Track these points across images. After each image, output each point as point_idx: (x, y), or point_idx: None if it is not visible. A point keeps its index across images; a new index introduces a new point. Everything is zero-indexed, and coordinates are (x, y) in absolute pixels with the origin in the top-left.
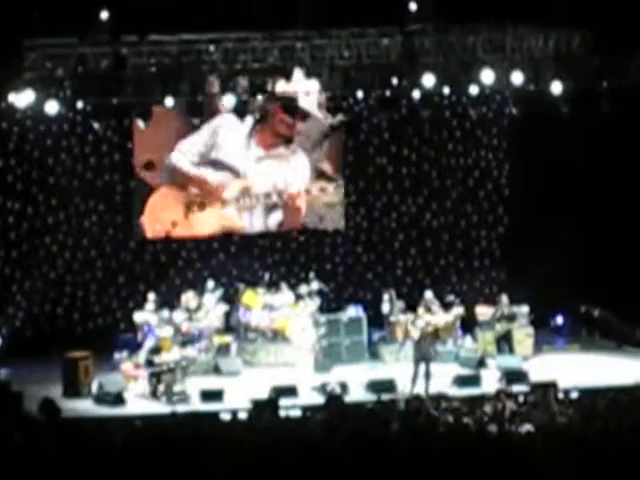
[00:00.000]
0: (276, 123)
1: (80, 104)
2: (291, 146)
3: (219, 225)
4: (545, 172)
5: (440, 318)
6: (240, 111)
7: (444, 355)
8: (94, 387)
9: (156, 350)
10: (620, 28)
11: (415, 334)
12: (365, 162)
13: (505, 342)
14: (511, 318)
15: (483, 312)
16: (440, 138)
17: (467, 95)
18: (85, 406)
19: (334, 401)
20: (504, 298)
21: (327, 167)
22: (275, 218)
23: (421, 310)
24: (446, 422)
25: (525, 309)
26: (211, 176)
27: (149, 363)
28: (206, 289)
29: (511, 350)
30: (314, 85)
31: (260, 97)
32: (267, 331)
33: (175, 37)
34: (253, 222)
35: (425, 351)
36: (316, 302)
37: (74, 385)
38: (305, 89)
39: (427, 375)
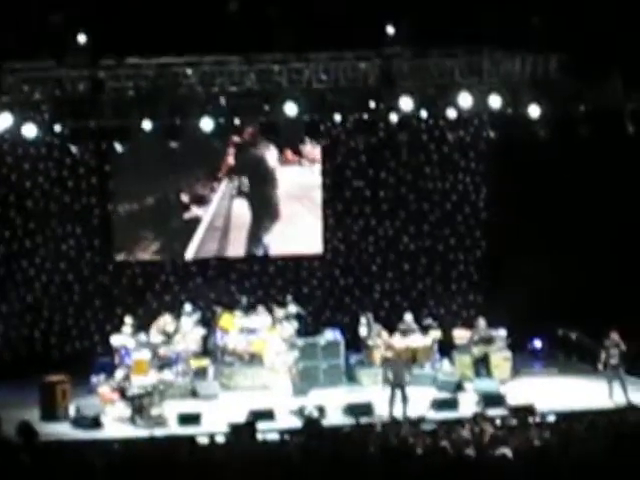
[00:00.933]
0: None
1: (58, 127)
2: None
3: None
4: (523, 196)
5: (418, 341)
6: (217, 134)
7: (422, 378)
8: (71, 410)
9: (127, 377)
10: (596, 51)
11: (390, 357)
12: (342, 185)
13: (483, 365)
14: (489, 341)
15: (461, 335)
16: (418, 161)
17: (445, 118)
18: (62, 429)
19: (312, 425)
20: (481, 321)
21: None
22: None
23: (398, 333)
24: (423, 445)
25: (503, 333)
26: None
27: (125, 388)
28: (183, 312)
29: (489, 374)
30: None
31: (238, 120)
32: (244, 354)
33: (153, 60)
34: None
35: (400, 375)
36: (293, 325)
37: (51, 409)
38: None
39: (404, 399)
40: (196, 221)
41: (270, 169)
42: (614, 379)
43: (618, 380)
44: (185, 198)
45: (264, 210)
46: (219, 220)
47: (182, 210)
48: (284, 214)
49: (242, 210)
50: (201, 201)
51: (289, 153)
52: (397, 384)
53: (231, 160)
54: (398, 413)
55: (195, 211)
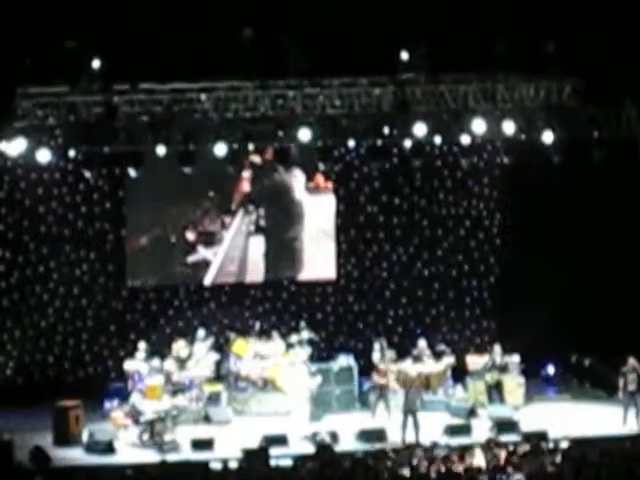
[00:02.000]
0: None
1: (72, 152)
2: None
3: None
4: (536, 222)
5: (431, 367)
6: (231, 159)
7: (435, 404)
8: (84, 436)
9: (141, 402)
10: (611, 78)
11: (403, 383)
12: (356, 211)
13: (496, 392)
14: (503, 368)
15: (474, 361)
16: (431, 187)
17: (458, 144)
18: (75, 455)
19: (324, 450)
20: (497, 347)
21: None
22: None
23: (411, 359)
24: (437, 471)
25: (516, 359)
26: None
27: (139, 412)
28: (197, 338)
29: (502, 400)
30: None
31: (252, 146)
32: (258, 380)
33: (166, 85)
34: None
35: (412, 401)
36: (307, 351)
37: (65, 434)
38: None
39: (416, 425)
40: (202, 266)
41: (296, 199)
42: (630, 405)
43: (634, 406)
44: (191, 236)
45: (286, 253)
46: (232, 265)
47: (186, 252)
48: (307, 257)
49: (259, 251)
50: (210, 240)
51: (321, 179)
52: (409, 410)
53: (246, 187)
54: (411, 439)
55: (202, 253)
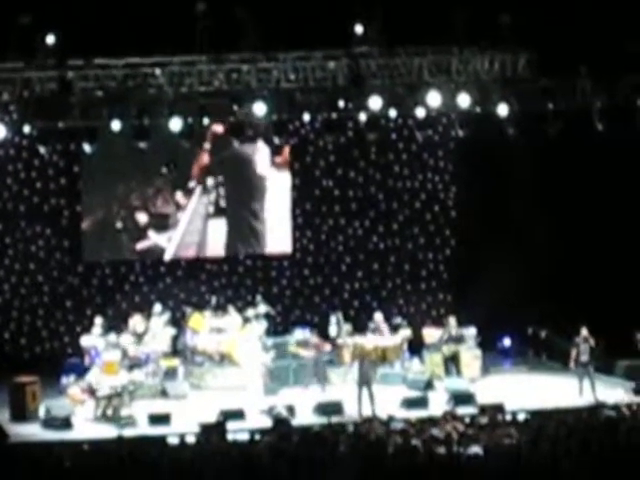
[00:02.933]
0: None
1: (26, 128)
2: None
3: None
4: (491, 194)
5: (387, 340)
6: (186, 134)
7: (391, 377)
8: (41, 412)
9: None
10: (565, 49)
11: (360, 357)
12: (311, 185)
13: (453, 364)
14: (459, 340)
15: (430, 334)
16: (386, 161)
17: (413, 117)
18: (33, 430)
19: (281, 424)
20: (452, 320)
21: None
22: None
23: (368, 332)
24: (394, 444)
25: (472, 331)
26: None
27: (96, 388)
28: (153, 313)
29: (459, 372)
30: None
31: (207, 120)
32: (214, 354)
33: (121, 60)
34: None
35: (367, 374)
36: (263, 325)
37: (21, 409)
38: None
39: (371, 397)
40: (155, 253)
41: (258, 173)
42: (584, 376)
43: (588, 377)
44: (142, 218)
45: (249, 235)
46: (189, 251)
47: (136, 237)
48: (267, 232)
49: (220, 237)
50: (163, 224)
51: (286, 153)
52: (364, 382)
53: (206, 159)
54: (367, 412)
55: (154, 239)
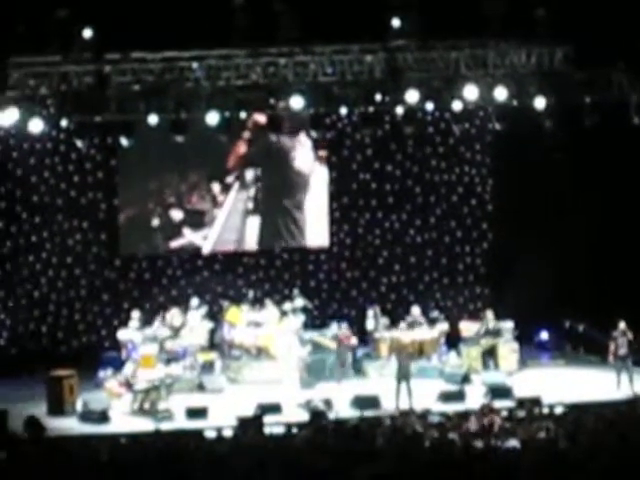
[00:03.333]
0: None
1: (64, 122)
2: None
3: None
4: (528, 187)
5: (425, 334)
6: (223, 128)
7: (428, 371)
8: (78, 405)
9: (135, 371)
10: (601, 43)
11: (397, 351)
12: (348, 178)
13: (490, 358)
14: (496, 334)
15: (467, 328)
16: (423, 154)
17: (450, 111)
18: (70, 424)
19: (318, 418)
20: (489, 314)
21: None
22: None
23: (405, 326)
24: (431, 438)
25: (510, 325)
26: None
27: (133, 381)
28: (190, 306)
29: (496, 365)
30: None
31: (244, 114)
32: (251, 348)
33: (158, 54)
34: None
35: (405, 368)
36: (300, 319)
37: (59, 403)
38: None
39: (409, 392)
40: (187, 252)
41: (299, 166)
42: (622, 370)
43: (626, 371)
44: (177, 215)
45: (288, 229)
46: (226, 247)
47: (170, 234)
48: (306, 226)
49: (258, 232)
50: (198, 221)
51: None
52: (402, 377)
53: (243, 149)
54: (404, 406)
55: (189, 237)
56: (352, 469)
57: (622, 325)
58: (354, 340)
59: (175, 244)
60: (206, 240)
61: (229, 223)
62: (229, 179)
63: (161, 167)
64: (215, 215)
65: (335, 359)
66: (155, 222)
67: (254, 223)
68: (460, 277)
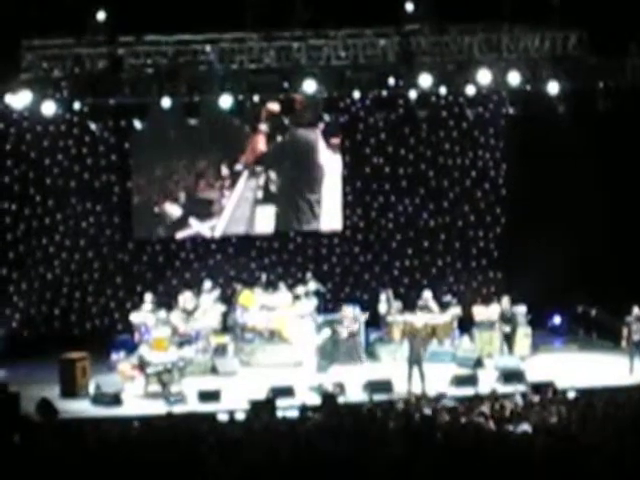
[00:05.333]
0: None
1: (77, 105)
2: None
3: None
4: (542, 172)
5: (437, 318)
6: (235, 112)
7: (441, 355)
8: (91, 388)
9: (147, 354)
10: (615, 28)
11: (409, 334)
12: (362, 162)
13: (507, 343)
14: (511, 319)
15: (480, 312)
16: (437, 138)
17: (464, 95)
18: (82, 407)
19: (331, 401)
20: (505, 299)
21: None
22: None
23: (417, 310)
24: (444, 422)
25: (523, 309)
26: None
27: (146, 364)
28: (203, 290)
29: (511, 350)
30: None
31: (257, 97)
32: (264, 331)
33: (171, 37)
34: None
35: (417, 352)
36: (313, 302)
37: (71, 386)
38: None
39: (421, 375)
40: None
41: (319, 159)
42: (635, 355)
43: (639, 356)
44: (183, 203)
45: (302, 214)
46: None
47: (177, 224)
48: (322, 212)
49: (269, 222)
50: (206, 211)
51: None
52: (415, 361)
53: (262, 144)
54: (417, 390)
55: (196, 227)
56: (365, 453)
57: (636, 310)
58: (355, 326)
59: (181, 234)
60: (214, 231)
61: (237, 213)
62: (238, 166)
63: (173, 151)
64: (223, 205)
65: (345, 341)
66: (166, 207)
67: (264, 213)
68: (473, 261)
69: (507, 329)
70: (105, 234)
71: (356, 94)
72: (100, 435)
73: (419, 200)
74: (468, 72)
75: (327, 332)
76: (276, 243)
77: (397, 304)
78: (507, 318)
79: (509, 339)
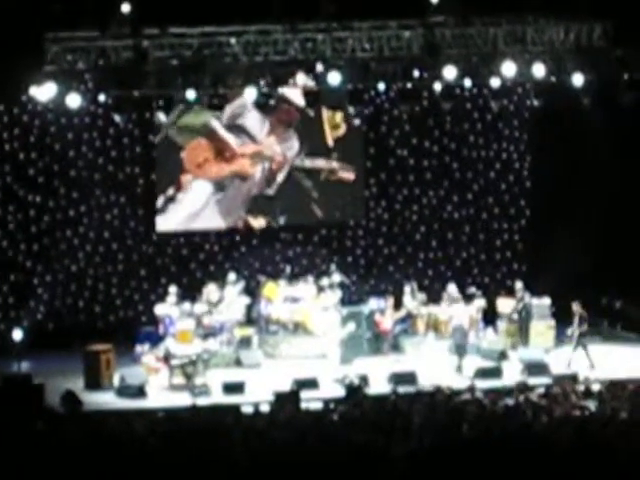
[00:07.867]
0: (282, 113)
1: (102, 97)
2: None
3: (233, 170)
4: (566, 164)
5: (461, 310)
6: (261, 104)
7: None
8: (116, 380)
9: (172, 346)
10: None
11: (434, 327)
12: (386, 154)
13: (525, 334)
14: (520, 311)
15: (505, 304)
16: (461, 130)
17: (488, 87)
18: (107, 399)
19: (355, 393)
20: (518, 285)
21: None
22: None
23: (442, 302)
24: (468, 414)
25: (547, 301)
26: (233, 140)
27: (170, 356)
28: (227, 282)
29: (526, 342)
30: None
31: (281, 90)
32: (288, 323)
33: (196, 29)
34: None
35: (460, 341)
36: (337, 294)
37: (96, 378)
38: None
39: (459, 367)
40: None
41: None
42: None
43: None
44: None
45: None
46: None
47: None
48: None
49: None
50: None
51: None
52: (459, 353)
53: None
54: (444, 382)
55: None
56: (389, 445)
57: None
58: (386, 324)
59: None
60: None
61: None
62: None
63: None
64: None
65: (372, 335)
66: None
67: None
68: (497, 253)
69: (515, 316)
70: (129, 226)
71: (381, 86)
72: (124, 427)
73: (443, 192)
74: (493, 64)
75: (352, 326)
76: (300, 235)
77: (421, 296)
78: (527, 309)
79: (521, 330)
